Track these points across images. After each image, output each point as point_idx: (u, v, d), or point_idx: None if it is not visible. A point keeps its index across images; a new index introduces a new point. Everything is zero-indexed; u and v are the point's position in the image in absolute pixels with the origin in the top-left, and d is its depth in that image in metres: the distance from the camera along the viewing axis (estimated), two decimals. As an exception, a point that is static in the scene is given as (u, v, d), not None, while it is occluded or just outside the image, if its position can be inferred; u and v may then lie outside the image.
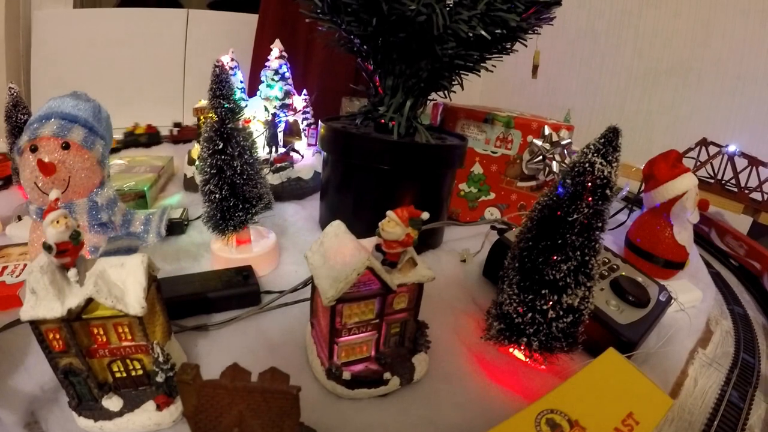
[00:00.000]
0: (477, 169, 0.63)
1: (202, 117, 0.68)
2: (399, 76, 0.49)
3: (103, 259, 0.32)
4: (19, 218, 0.62)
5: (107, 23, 1.09)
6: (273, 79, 0.66)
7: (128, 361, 0.33)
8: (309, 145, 0.74)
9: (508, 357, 0.40)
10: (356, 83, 0.96)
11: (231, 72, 0.69)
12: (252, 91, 0.87)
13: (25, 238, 0.57)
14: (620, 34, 0.92)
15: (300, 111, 0.67)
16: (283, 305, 0.43)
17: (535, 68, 0.53)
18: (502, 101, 0.76)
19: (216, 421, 0.22)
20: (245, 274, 0.44)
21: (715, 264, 0.69)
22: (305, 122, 0.72)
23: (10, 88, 0.68)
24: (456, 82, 0.52)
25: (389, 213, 0.31)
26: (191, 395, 0.22)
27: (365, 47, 0.50)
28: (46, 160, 0.42)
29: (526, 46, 0.50)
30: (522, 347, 0.37)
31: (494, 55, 0.50)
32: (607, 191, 0.33)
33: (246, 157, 0.43)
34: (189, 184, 0.67)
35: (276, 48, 0.66)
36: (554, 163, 0.61)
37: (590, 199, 0.33)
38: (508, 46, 0.50)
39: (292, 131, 0.68)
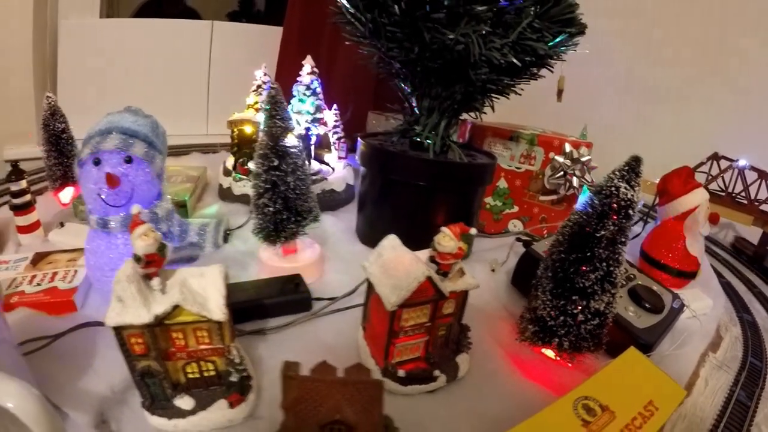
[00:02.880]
0: (502, 183, 0.72)
1: (235, 129, 0.75)
2: (435, 98, 0.57)
3: (183, 269, 0.37)
4: (62, 225, 0.69)
5: (133, 33, 1.17)
6: (305, 94, 0.74)
7: (202, 363, 0.37)
8: (339, 158, 0.81)
9: (539, 356, 0.47)
10: (377, 98, 1.05)
11: (264, 87, 0.76)
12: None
13: (68, 244, 0.65)
14: (633, 50, 1.01)
15: (331, 126, 0.75)
16: (335, 311, 0.51)
17: (560, 92, 0.62)
18: (515, 116, 0.83)
19: (315, 410, 0.27)
20: (296, 282, 0.51)
21: (726, 274, 0.78)
22: (335, 136, 0.80)
23: (47, 97, 0.75)
24: (487, 104, 0.60)
25: (444, 229, 0.39)
26: (293, 389, 0.27)
27: (404, 70, 0.57)
28: (107, 173, 0.46)
29: (552, 72, 0.58)
30: (554, 347, 0.45)
31: (523, 80, 0.58)
32: (630, 211, 0.41)
33: (299, 173, 0.50)
34: (225, 194, 0.75)
35: (308, 64, 0.74)
36: (574, 178, 0.70)
37: (615, 217, 0.41)
38: (536, 72, 0.58)
39: (323, 144, 0.76)
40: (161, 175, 0.52)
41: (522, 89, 0.59)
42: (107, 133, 0.48)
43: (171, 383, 0.37)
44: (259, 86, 0.78)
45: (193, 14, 1.26)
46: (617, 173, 0.41)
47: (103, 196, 0.47)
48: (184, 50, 1.22)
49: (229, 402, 0.37)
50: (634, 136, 1.03)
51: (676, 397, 0.38)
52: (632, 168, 0.40)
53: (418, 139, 0.60)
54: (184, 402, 0.37)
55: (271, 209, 0.50)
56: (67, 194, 0.78)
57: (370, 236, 0.65)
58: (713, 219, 0.65)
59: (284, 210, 0.50)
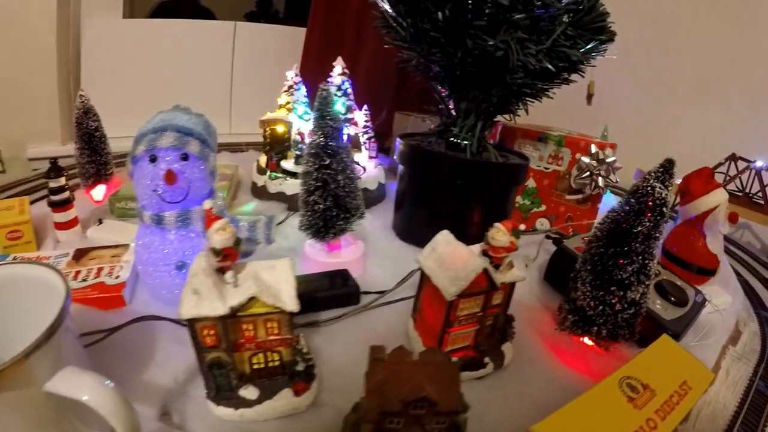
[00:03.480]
0: (531, 183, 0.77)
1: (267, 129, 0.80)
2: (472, 100, 0.63)
3: (254, 263, 0.40)
4: (100, 221, 0.72)
5: (155, 34, 1.22)
6: (336, 95, 0.79)
7: (269, 353, 0.40)
8: (370, 157, 0.87)
9: (576, 345, 0.53)
10: (399, 99, 1.10)
11: (295, 87, 0.81)
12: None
13: (107, 240, 0.68)
14: (651, 52, 1.07)
15: (361, 126, 0.80)
16: (383, 304, 0.56)
17: (590, 96, 0.67)
18: (536, 117, 0.89)
19: (399, 390, 0.29)
20: (345, 276, 0.57)
21: (743, 272, 0.84)
22: (365, 136, 0.85)
23: (80, 95, 0.78)
24: (520, 107, 0.65)
25: (497, 224, 0.44)
26: (379, 371, 0.30)
27: (442, 74, 0.63)
28: (168, 170, 0.48)
29: (583, 76, 0.64)
30: (592, 335, 0.50)
31: (555, 84, 0.64)
32: (663, 209, 0.46)
33: (348, 171, 0.55)
34: (259, 192, 0.80)
35: (338, 65, 0.79)
36: (600, 178, 0.76)
37: (650, 215, 0.46)
38: (568, 77, 0.64)
39: (353, 144, 0.81)
40: (213, 173, 0.54)
41: (554, 93, 0.65)
42: (162, 130, 0.49)
43: (237, 374, 0.39)
44: (290, 87, 0.83)
45: (207, 14, 1.31)
46: (652, 174, 0.46)
47: (159, 192, 0.49)
48: (206, 50, 1.27)
49: (294, 390, 0.40)
50: (652, 136, 1.10)
51: (705, 378, 0.44)
52: (666, 169, 0.46)
53: (455, 140, 0.65)
54: (249, 392, 0.40)
55: (321, 206, 0.55)
56: (99, 192, 0.82)
57: (408, 233, 0.71)
58: (732, 218, 0.71)
59: (334, 207, 0.55)
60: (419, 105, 1.04)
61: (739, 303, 0.72)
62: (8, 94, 1.03)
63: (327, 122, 0.54)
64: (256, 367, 0.40)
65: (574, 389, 0.47)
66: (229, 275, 0.37)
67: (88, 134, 0.79)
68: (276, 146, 0.82)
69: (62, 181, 0.69)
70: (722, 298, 0.69)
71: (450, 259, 0.45)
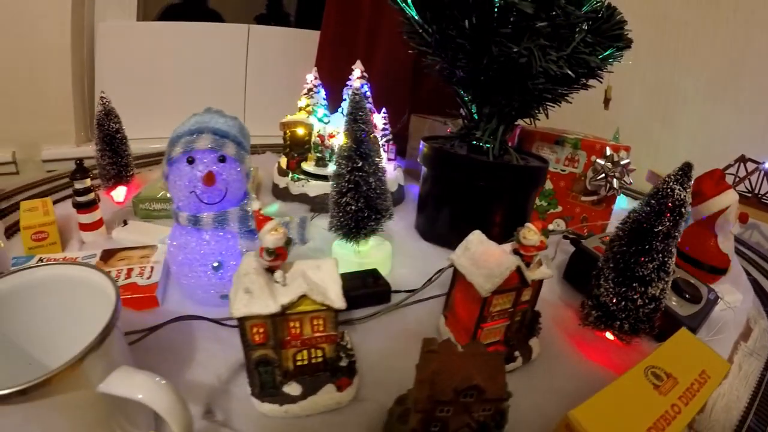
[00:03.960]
0: (548, 185, 0.82)
1: (288, 131, 0.84)
2: (495, 105, 0.67)
3: (300, 262, 0.42)
4: (125, 223, 0.75)
5: (169, 36, 1.25)
6: (355, 97, 0.83)
7: (313, 350, 0.42)
8: (389, 159, 0.91)
9: (598, 340, 0.57)
10: (412, 102, 1.15)
11: (315, 89, 0.86)
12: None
13: (133, 241, 0.71)
14: (660, 55, 1.12)
15: (380, 129, 0.84)
16: (413, 303, 0.60)
17: (607, 101, 0.72)
18: (551, 118, 0.94)
19: (450, 379, 0.32)
20: (375, 275, 0.61)
21: (753, 272, 0.90)
22: (384, 138, 0.89)
23: (102, 97, 0.81)
24: (540, 111, 0.70)
25: (528, 225, 0.48)
26: (432, 362, 0.33)
27: (466, 79, 0.67)
28: (206, 171, 0.50)
29: (601, 82, 0.68)
30: (614, 329, 0.55)
31: (574, 89, 0.69)
32: (682, 210, 0.51)
33: (379, 174, 0.60)
34: (281, 194, 0.83)
35: (357, 69, 0.84)
36: (614, 180, 0.80)
37: (669, 215, 0.51)
38: (586, 82, 0.68)
39: (373, 146, 0.86)
40: (248, 175, 0.57)
41: (572, 98, 0.70)
42: (198, 132, 0.51)
43: (282, 371, 0.42)
44: (310, 89, 0.87)
45: (216, 17, 1.35)
46: (672, 177, 0.51)
47: (197, 193, 0.51)
48: (220, 53, 1.31)
49: (337, 386, 0.43)
50: (662, 139, 1.15)
51: (722, 368, 0.48)
52: (685, 173, 0.50)
53: (477, 143, 0.70)
54: (292, 388, 0.42)
55: (353, 207, 0.59)
56: (120, 193, 0.85)
57: (432, 233, 0.75)
58: (743, 218, 0.76)
59: (366, 208, 0.59)
60: (434, 106, 1.09)
61: (750, 301, 0.77)
62: (23, 95, 1.06)
63: (359, 125, 0.57)
64: (299, 363, 0.43)
65: (599, 381, 0.51)
66: (278, 274, 0.40)
67: (110, 136, 0.82)
68: (296, 148, 0.86)
69: (88, 182, 0.71)
70: (733, 296, 0.74)
71: (484, 257, 0.49)
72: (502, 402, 0.35)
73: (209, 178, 0.50)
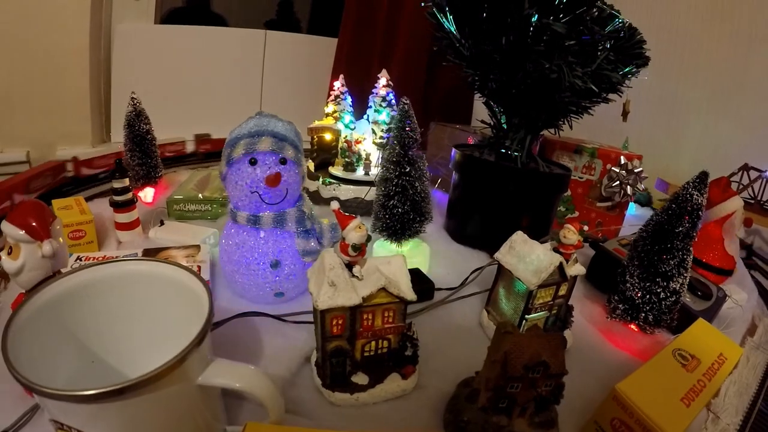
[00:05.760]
0: (566, 191, 0.94)
1: (315, 136, 0.93)
2: (524, 116, 0.78)
3: (374, 258, 0.48)
4: (162, 223, 0.82)
5: (186, 39, 1.33)
6: (381, 105, 0.93)
7: (380, 341, 0.48)
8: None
9: (624, 331, 0.68)
10: (425, 109, 1.26)
11: (342, 96, 0.95)
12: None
13: (170, 241, 0.77)
14: (664, 66, 1.26)
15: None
16: (455, 300, 0.70)
17: (625, 114, 0.84)
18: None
19: (519, 358, 0.38)
20: (419, 274, 0.70)
21: (756, 274, 1.03)
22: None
23: (132, 98, 0.88)
24: (564, 122, 0.81)
25: (568, 225, 0.59)
26: (506, 343, 0.38)
27: (498, 91, 0.78)
28: (268, 173, 0.56)
29: (620, 96, 0.80)
30: (639, 321, 0.66)
31: (596, 102, 0.80)
32: (699, 213, 0.62)
33: (424, 179, 0.69)
34: (311, 197, 0.92)
35: (383, 77, 0.94)
36: (628, 187, 0.92)
37: (688, 218, 0.63)
38: (606, 96, 0.80)
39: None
40: (304, 177, 0.63)
41: (594, 110, 0.81)
42: (259, 135, 0.56)
43: (353, 361, 0.47)
44: (337, 96, 0.96)
45: (219, 20, 1.43)
46: (690, 184, 0.62)
47: (260, 194, 0.57)
48: (237, 57, 1.39)
49: (402, 374, 0.49)
50: (668, 148, 1.29)
51: (737, 352, 0.60)
52: (702, 180, 0.62)
53: (506, 152, 0.80)
54: (360, 378, 0.48)
55: (399, 210, 0.69)
56: (148, 194, 0.93)
57: (463, 236, 0.85)
58: (747, 223, 0.89)
59: (412, 211, 0.69)
60: (447, 113, 1.20)
61: (754, 300, 0.89)
62: (39, 95, 1.12)
63: (407, 133, 0.67)
64: (366, 354, 0.48)
65: (626, 366, 0.62)
66: (356, 269, 0.45)
67: (140, 137, 0.89)
68: (322, 153, 0.95)
69: (126, 181, 0.77)
70: (739, 295, 0.86)
71: (529, 255, 0.60)
72: (561, 377, 0.43)
73: (276, 179, 0.56)
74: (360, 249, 0.45)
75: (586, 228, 0.60)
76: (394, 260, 0.49)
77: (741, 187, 1.07)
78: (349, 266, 0.46)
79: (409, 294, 0.46)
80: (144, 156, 0.90)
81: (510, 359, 0.38)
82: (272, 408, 0.36)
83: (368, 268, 0.47)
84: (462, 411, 0.45)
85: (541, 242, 0.61)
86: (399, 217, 0.69)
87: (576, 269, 0.61)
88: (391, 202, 0.68)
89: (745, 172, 1.08)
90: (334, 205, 0.47)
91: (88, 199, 0.88)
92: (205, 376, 0.34)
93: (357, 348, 0.48)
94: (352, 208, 0.90)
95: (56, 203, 0.78)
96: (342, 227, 0.45)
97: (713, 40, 1.23)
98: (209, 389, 0.35)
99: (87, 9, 1.11)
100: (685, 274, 0.64)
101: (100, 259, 0.68)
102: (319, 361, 0.49)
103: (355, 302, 0.43)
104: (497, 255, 0.62)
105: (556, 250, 0.60)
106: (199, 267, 0.68)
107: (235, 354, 0.49)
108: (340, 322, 0.45)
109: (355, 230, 0.44)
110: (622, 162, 0.91)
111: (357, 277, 0.45)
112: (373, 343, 0.48)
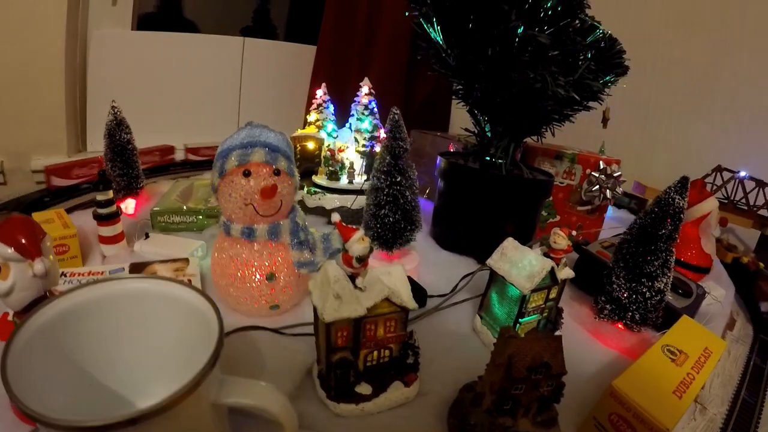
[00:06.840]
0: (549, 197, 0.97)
1: (298, 145, 0.94)
2: (508, 124, 0.81)
3: (374, 269, 0.48)
4: (147, 236, 0.80)
5: (163, 46, 1.31)
6: (363, 114, 0.95)
7: (382, 350, 0.48)
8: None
9: (611, 330, 0.71)
10: (404, 111, 1.28)
11: (324, 105, 0.96)
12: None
13: (156, 254, 0.75)
14: (640, 72, 1.32)
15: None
16: (448, 306, 0.72)
17: (605, 121, 0.88)
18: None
19: (523, 360, 0.40)
20: (411, 281, 0.71)
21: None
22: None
23: (113, 107, 0.86)
24: (546, 130, 0.84)
25: (557, 230, 0.61)
26: (510, 347, 0.40)
27: (482, 100, 0.81)
28: (262, 185, 0.55)
29: (601, 103, 0.84)
30: (626, 320, 0.69)
31: (577, 110, 0.83)
32: (681, 215, 0.66)
33: (414, 188, 0.71)
34: (298, 208, 0.93)
35: (365, 86, 0.95)
36: (607, 191, 0.96)
37: (669, 220, 0.66)
38: (587, 104, 0.84)
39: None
40: (296, 188, 0.62)
41: (575, 117, 0.84)
42: (251, 146, 0.56)
43: (356, 371, 0.48)
44: (319, 105, 0.97)
45: (191, 27, 1.43)
46: (672, 188, 0.66)
47: (255, 206, 0.56)
48: (215, 64, 1.38)
49: (404, 381, 0.50)
50: (643, 151, 1.35)
51: (720, 345, 0.63)
52: (683, 185, 0.66)
53: (491, 159, 0.83)
54: (363, 388, 0.48)
55: (391, 219, 0.70)
56: (130, 206, 0.91)
57: (450, 242, 0.88)
58: (723, 222, 0.94)
59: (402, 220, 0.71)
60: (425, 119, 1.22)
61: (731, 295, 0.94)
62: (13, 103, 1.08)
63: (398, 143, 0.69)
64: (368, 364, 0.49)
65: (616, 365, 0.65)
66: (359, 280, 0.46)
67: (121, 146, 0.87)
68: (305, 162, 0.96)
69: (110, 194, 0.74)
70: (717, 292, 0.91)
71: (520, 261, 0.62)
72: (562, 376, 0.45)
73: (272, 191, 0.56)
74: (364, 260, 0.45)
75: (575, 233, 0.63)
76: (394, 270, 0.50)
77: (715, 188, 1.13)
78: (352, 278, 0.46)
79: (411, 303, 0.47)
80: (125, 166, 0.88)
81: (514, 362, 0.40)
82: (287, 424, 0.36)
83: (370, 279, 0.48)
84: (468, 415, 0.47)
85: (529, 246, 0.64)
86: (390, 226, 0.71)
87: (566, 273, 0.63)
88: (383, 212, 0.70)
89: (719, 173, 1.14)
90: (335, 217, 0.48)
91: (68, 211, 0.86)
92: (219, 395, 0.34)
93: (360, 358, 0.48)
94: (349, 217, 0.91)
95: (37, 216, 0.74)
96: (345, 239, 0.45)
97: (685, 48, 1.30)
98: (220, 407, 0.35)
99: (63, 14, 1.08)
100: (668, 274, 0.67)
101: (86, 274, 0.68)
102: (323, 372, 0.49)
103: (360, 313, 0.44)
104: (489, 261, 0.64)
105: (546, 255, 0.62)
106: (189, 280, 0.68)
107: (236, 370, 0.49)
108: (344, 333, 0.45)
109: (359, 242, 0.44)
110: (602, 167, 0.95)
111: (360, 288, 0.46)
112: (375, 352, 0.49)
